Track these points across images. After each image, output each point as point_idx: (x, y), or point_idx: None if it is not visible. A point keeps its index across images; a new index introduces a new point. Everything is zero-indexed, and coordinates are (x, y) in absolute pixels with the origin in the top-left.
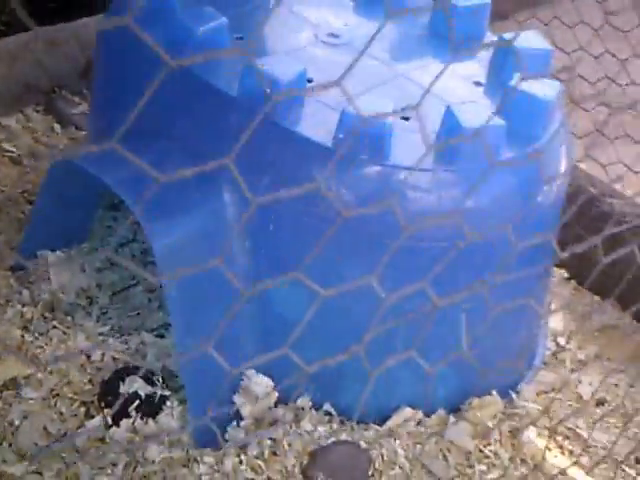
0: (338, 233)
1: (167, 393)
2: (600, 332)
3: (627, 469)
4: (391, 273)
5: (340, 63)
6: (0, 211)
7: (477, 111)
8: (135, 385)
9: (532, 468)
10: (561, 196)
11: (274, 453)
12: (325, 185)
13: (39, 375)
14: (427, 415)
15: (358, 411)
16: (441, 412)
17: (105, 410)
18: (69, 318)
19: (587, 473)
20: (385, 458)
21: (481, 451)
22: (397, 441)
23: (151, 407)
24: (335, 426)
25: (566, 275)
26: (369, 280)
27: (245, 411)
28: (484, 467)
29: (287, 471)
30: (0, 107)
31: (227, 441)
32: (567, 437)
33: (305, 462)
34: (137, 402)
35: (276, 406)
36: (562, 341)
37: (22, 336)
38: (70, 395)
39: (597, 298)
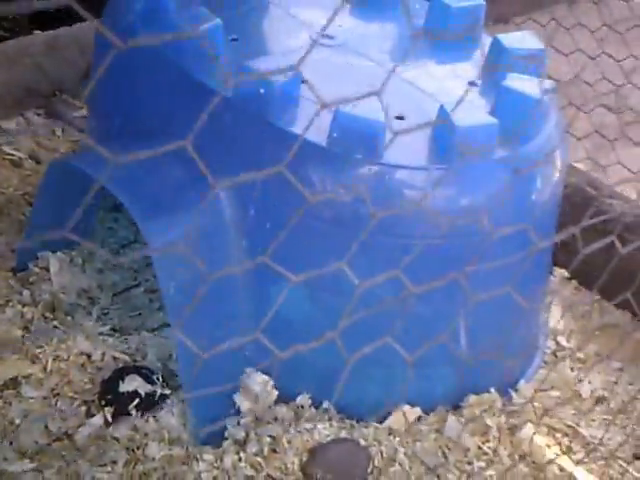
0: (334, 232)
1: (167, 391)
2: (600, 331)
3: (625, 465)
4: (385, 270)
5: (335, 64)
6: (1, 213)
7: (470, 110)
8: (135, 384)
9: (531, 465)
10: (557, 196)
11: (274, 450)
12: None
13: (39, 374)
14: (426, 412)
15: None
16: (440, 409)
17: (105, 408)
18: (69, 318)
19: (585, 469)
20: (384, 455)
21: (480, 448)
22: (396, 438)
23: (151, 405)
24: (335, 424)
25: (567, 275)
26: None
27: (245, 409)
28: (483, 464)
29: (286, 468)
30: (1, 110)
31: (226, 439)
32: (566, 434)
33: (304, 459)
34: (137, 400)
35: (276, 404)
36: (562, 340)
37: (22, 336)
38: (71, 394)
39: (597, 297)
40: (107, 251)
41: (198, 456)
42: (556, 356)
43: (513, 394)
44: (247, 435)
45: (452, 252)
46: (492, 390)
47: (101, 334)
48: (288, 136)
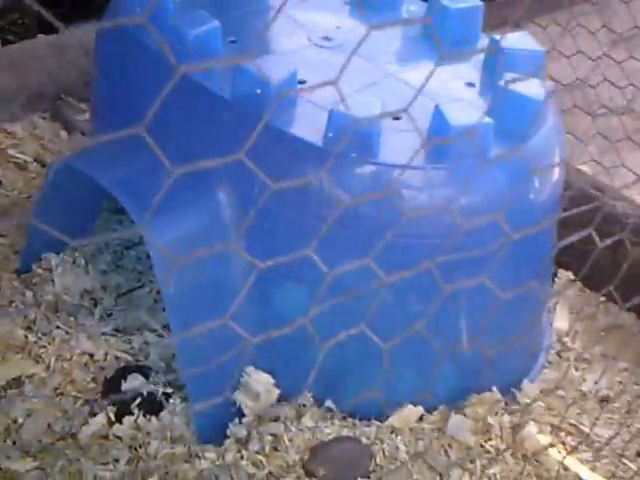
0: (332, 230)
1: (169, 390)
2: (605, 332)
3: (628, 463)
4: (385, 270)
5: (333, 65)
6: (6, 215)
7: (466, 110)
8: (137, 383)
9: (534, 463)
10: (556, 196)
11: (275, 448)
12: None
13: (42, 374)
14: (428, 411)
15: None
16: (442, 408)
17: (108, 407)
18: (72, 319)
19: (589, 468)
20: (386, 454)
21: (482, 446)
22: (398, 437)
23: (153, 404)
24: (337, 422)
25: (572, 277)
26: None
27: (246, 408)
28: (485, 462)
29: (288, 466)
30: (6, 114)
31: (228, 437)
32: (570, 433)
33: (306, 457)
34: (139, 399)
35: (278, 403)
36: (567, 341)
37: (25, 336)
38: (74, 393)
39: (603, 299)
40: (110, 253)
41: (200, 454)
42: (561, 357)
43: (516, 394)
44: (249, 433)
45: (448, 251)
46: (493, 389)
47: (104, 334)
48: (285, 136)
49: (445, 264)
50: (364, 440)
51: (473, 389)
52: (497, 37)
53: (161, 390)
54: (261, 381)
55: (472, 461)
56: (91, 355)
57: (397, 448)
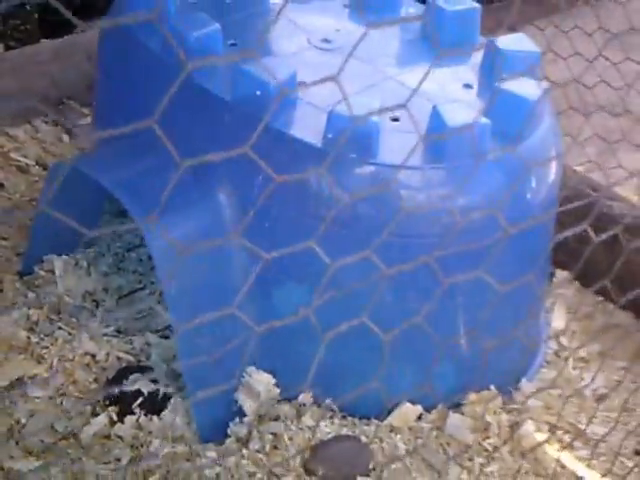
0: (331, 230)
1: (170, 390)
2: (602, 331)
3: (625, 460)
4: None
5: (332, 67)
6: (8, 218)
7: (463, 111)
8: (139, 383)
9: (532, 461)
10: (553, 196)
11: (275, 447)
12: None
13: (45, 375)
14: (427, 410)
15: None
16: (440, 407)
17: (110, 407)
18: (74, 320)
19: (587, 466)
20: (386, 452)
21: (480, 444)
22: (398, 435)
23: (155, 404)
24: (336, 421)
25: (569, 277)
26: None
27: (247, 407)
28: (483, 460)
29: (288, 465)
30: (9, 117)
31: (229, 436)
32: (567, 431)
33: (306, 456)
34: (141, 399)
35: (278, 402)
36: (564, 340)
37: (28, 337)
38: (76, 394)
39: (600, 298)
40: (112, 255)
41: (201, 453)
42: (558, 356)
43: (514, 392)
44: (249, 432)
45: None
46: (492, 387)
47: (106, 335)
48: (285, 137)
49: (443, 263)
50: (363, 439)
51: (471, 388)
52: (494, 39)
53: (162, 390)
54: (261, 381)
55: (470, 459)
56: (93, 356)
57: (396, 446)
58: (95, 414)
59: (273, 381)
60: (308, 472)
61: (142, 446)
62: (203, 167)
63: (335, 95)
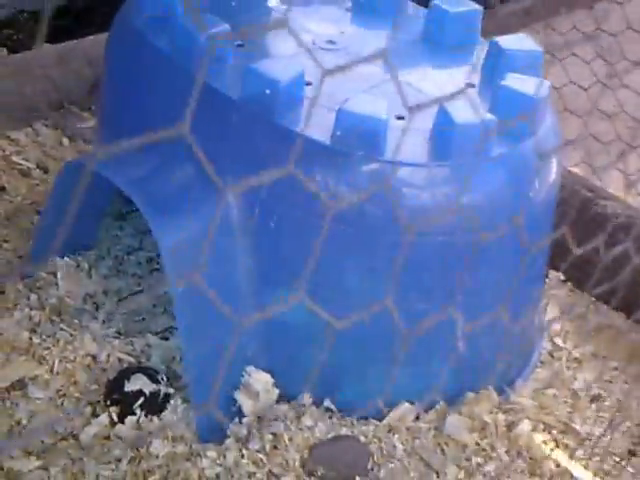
0: (336, 230)
1: (171, 391)
2: (596, 332)
3: (620, 460)
4: (388, 267)
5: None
6: (9, 221)
7: (469, 109)
8: (140, 383)
9: (528, 460)
10: (553, 196)
11: (275, 447)
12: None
13: (46, 376)
14: (425, 410)
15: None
16: (438, 407)
17: (110, 408)
18: (76, 321)
19: (581, 465)
20: (384, 452)
21: (478, 444)
22: (396, 435)
23: (155, 404)
24: (335, 421)
25: (562, 278)
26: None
27: (246, 408)
28: (481, 460)
29: (288, 465)
30: (10, 121)
31: (229, 436)
32: (562, 431)
33: (305, 456)
34: (142, 400)
35: (277, 403)
36: (558, 340)
37: (30, 338)
38: (76, 395)
39: (593, 299)
40: (112, 258)
41: (201, 453)
42: (552, 356)
43: (510, 392)
44: (249, 432)
45: (451, 249)
46: (489, 387)
47: (107, 336)
48: (293, 135)
49: (444, 262)
50: (362, 439)
51: (468, 388)
52: (497, 38)
53: (163, 391)
54: (261, 381)
55: (468, 459)
56: (94, 357)
57: (394, 446)
58: (95, 415)
59: (272, 381)
60: (307, 472)
61: (142, 447)
62: (212, 166)
63: (341, 93)
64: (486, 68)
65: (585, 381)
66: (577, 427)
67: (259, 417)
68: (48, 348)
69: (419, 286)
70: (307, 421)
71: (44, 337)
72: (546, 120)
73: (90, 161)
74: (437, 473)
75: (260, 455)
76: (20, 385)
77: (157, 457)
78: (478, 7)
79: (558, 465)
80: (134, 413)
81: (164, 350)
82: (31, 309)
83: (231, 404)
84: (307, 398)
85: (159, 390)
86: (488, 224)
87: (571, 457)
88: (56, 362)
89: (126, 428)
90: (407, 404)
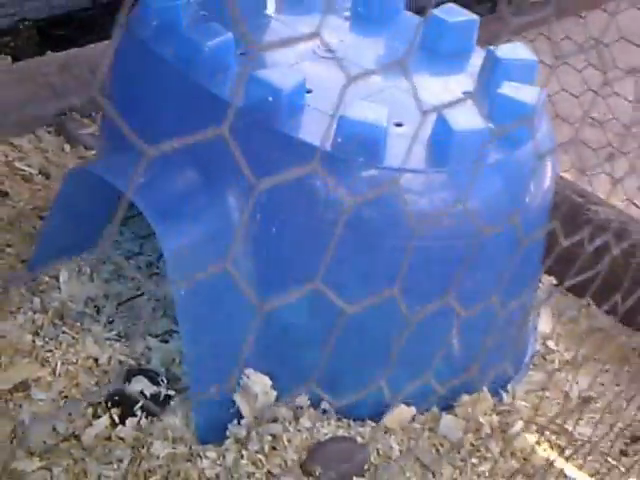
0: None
1: (171, 393)
2: (587, 335)
3: (612, 461)
4: (387, 271)
5: (337, 75)
6: (12, 226)
7: (467, 116)
8: (140, 385)
9: (522, 461)
10: (547, 202)
11: (274, 448)
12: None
13: (48, 378)
14: (420, 412)
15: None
16: (434, 409)
17: (112, 409)
18: (78, 324)
19: (574, 465)
20: (380, 452)
21: (472, 445)
22: (392, 436)
23: (156, 406)
24: (333, 423)
25: (554, 282)
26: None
27: (245, 409)
28: (475, 460)
29: (286, 465)
30: (13, 128)
31: (228, 437)
32: (555, 432)
33: (304, 457)
34: (142, 401)
35: (276, 405)
36: (550, 343)
37: (33, 341)
38: (78, 396)
39: (584, 302)
40: (112, 263)
41: (201, 454)
42: (545, 359)
43: (504, 394)
44: (248, 434)
45: (449, 253)
46: (484, 389)
47: (108, 339)
48: (294, 142)
49: (441, 267)
50: (359, 440)
51: (464, 390)
52: (493, 47)
53: (163, 392)
54: (259, 383)
55: (463, 459)
56: (96, 359)
57: (391, 447)
58: (97, 417)
59: (270, 383)
60: (306, 472)
61: (143, 447)
62: (213, 171)
63: (342, 101)
64: (483, 76)
65: (577, 383)
66: (569, 428)
67: (257, 418)
68: (51, 351)
69: (417, 289)
70: (305, 422)
71: (47, 340)
72: (542, 127)
73: (95, 167)
74: (433, 473)
75: (259, 456)
76: (23, 387)
77: (158, 458)
78: (475, 16)
79: (551, 465)
80: (135, 414)
81: (164, 353)
82: (34, 312)
83: (230, 406)
84: (305, 400)
85: (159, 392)
86: (485, 229)
87: (564, 457)
88: (58, 364)
89: (127, 429)
90: (403, 406)
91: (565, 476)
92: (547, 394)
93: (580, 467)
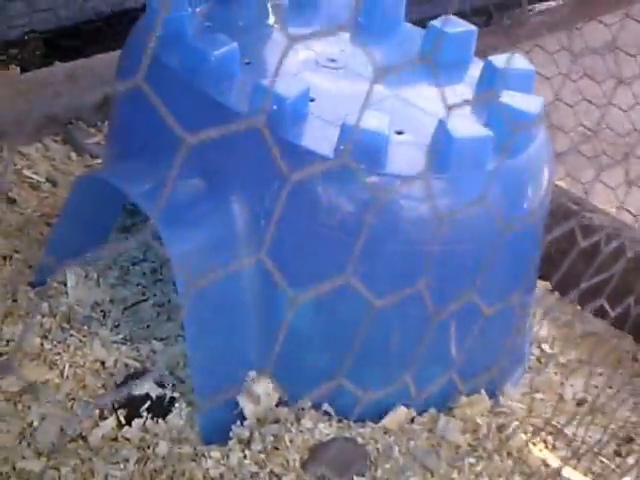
0: (339, 238)
1: (176, 395)
2: (581, 338)
3: (606, 461)
4: (386, 276)
5: (339, 85)
6: (20, 232)
7: (467, 124)
8: (146, 387)
9: (518, 461)
10: (544, 209)
11: (276, 448)
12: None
13: (56, 380)
14: (419, 414)
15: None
16: (432, 410)
17: (118, 411)
18: (85, 328)
19: (569, 466)
20: (380, 453)
21: (470, 445)
22: (392, 437)
23: (161, 408)
24: (334, 424)
25: (549, 287)
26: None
27: (248, 411)
28: (473, 460)
29: (288, 465)
30: (21, 137)
31: (232, 438)
32: (550, 433)
33: (306, 457)
34: (148, 403)
35: (278, 406)
36: (546, 347)
37: (41, 344)
38: (85, 399)
39: (579, 307)
40: (118, 268)
41: (206, 454)
42: (540, 362)
43: (500, 397)
44: (251, 434)
45: (448, 258)
46: (481, 391)
47: (114, 343)
48: (298, 149)
49: (440, 272)
50: (359, 440)
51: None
52: (491, 57)
53: (169, 394)
54: (262, 385)
55: (461, 459)
56: (102, 362)
57: (390, 447)
58: (104, 417)
59: (272, 385)
60: (307, 473)
61: (149, 448)
62: (217, 178)
63: (344, 110)
64: (481, 85)
65: (572, 386)
66: (565, 429)
67: (260, 419)
68: (58, 354)
69: (416, 293)
70: (307, 423)
71: (55, 343)
72: (539, 135)
73: (103, 175)
74: (431, 473)
75: (262, 456)
76: (31, 389)
77: (163, 458)
78: (473, 27)
79: (547, 465)
80: (141, 416)
81: (169, 356)
82: (42, 316)
83: (233, 407)
84: (306, 402)
85: (165, 394)
86: (483, 235)
87: (559, 458)
88: (66, 367)
89: (133, 430)
90: (403, 407)
91: (560, 475)
92: (542, 396)
93: (575, 467)
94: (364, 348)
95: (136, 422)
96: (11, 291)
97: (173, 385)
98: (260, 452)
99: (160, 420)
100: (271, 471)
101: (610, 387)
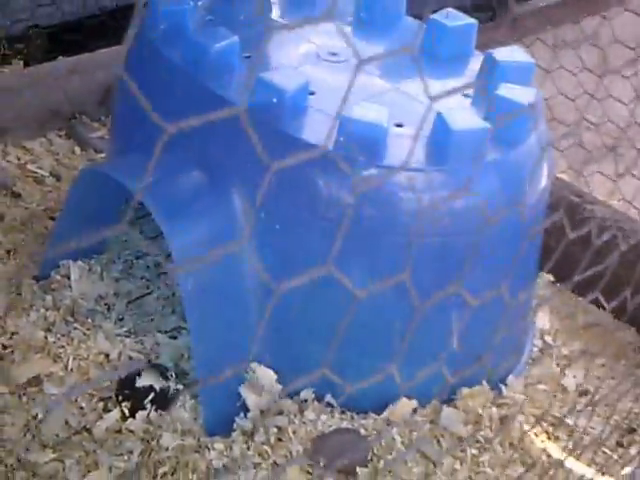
0: (339, 231)
1: (180, 387)
2: (584, 330)
3: (609, 452)
4: (386, 267)
5: (340, 78)
6: (25, 226)
7: (465, 116)
8: (150, 379)
9: (520, 451)
10: (544, 201)
11: (280, 440)
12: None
13: (61, 373)
14: (422, 405)
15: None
16: (435, 402)
17: (122, 403)
18: (89, 321)
19: (572, 456)
20: (383, 444)
21: (472, 436)
22: (394, 428)
23: (165, 400)
24: (336, 415)
25: (552, 279)
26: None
27: (251, 402)
28: (475, 451)
29: (292, 456)
30: (25, 131)
31: (235, 430)
32: (553, 424)
33: (308, 448)
34: (152, 395)
35: (281, 398)
36: (549, 339)
37: (45, 337)
38: (89, 391)
39: (581, 299)
40: (122, 262)
41: (209, 445)
42: (543, 353)
43: (503, 388)
44: (254, 426)
45: (448, 250)
46: (483, 382)
47: (118, 335)
48: (297, 142)
49: (441, 263)
50: (362, 432)
51: (464, 384)
52: (490, 50)
53: (172, 387)
54: (265, 377)
55: (463, 450)
56: (106, 355)
57: (393, 439)
58: (108, 411)
59: (275, 377)
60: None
61: (153, 439)
62: (218, 172)
63: (343, 103)
64: (481, 78)
65: (574, 377)
66: (567, 420)
67: (263, 411)
68: (63, 347)
69: (417, 285)
70: (310, 415)
71: (59, 336)
72: (538, 127)
73: (105, 168)
74: (434, 464)
75: (265, 447)
76: (36, 382)
77: (167, 449)
78: (473, 21)
79: (549, 456)
80: (145, 408)
81: (173, 348)
82: (46, 310)
83: (236, 399)
84: (309, 394)
85: (169, 386)
86: (482, 226)
87: (561, 448)
88: (70, 360)
89: (137, 422)
90: (405, 399)
91: (563, 466)
92: (544, 387)
93: (577, 457)
94: (363, 342)
95: (140, 414)
96: (15, 284)
97: (177, 376)
98: (263, 443)
99: (163, 412)
100: (274, 462)
101: (612, 378)
